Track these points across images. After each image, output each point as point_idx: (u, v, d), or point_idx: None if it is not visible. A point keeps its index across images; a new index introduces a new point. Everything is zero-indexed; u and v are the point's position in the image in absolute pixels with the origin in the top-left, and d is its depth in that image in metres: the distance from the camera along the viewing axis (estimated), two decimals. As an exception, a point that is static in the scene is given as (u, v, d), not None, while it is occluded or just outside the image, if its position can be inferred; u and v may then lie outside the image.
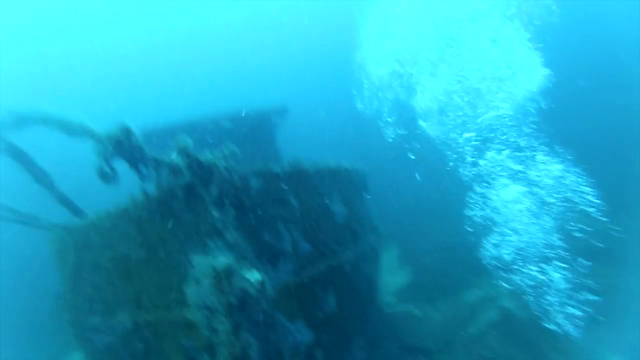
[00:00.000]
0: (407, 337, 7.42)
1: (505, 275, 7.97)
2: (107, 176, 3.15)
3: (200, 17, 24.37)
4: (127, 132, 3.35)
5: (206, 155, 3.61)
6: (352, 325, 5.39)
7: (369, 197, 6.94)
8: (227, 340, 2.87)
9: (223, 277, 2.81)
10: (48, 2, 20.59)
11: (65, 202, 4.65)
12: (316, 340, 4.36)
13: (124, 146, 3.31)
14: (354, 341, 5.42)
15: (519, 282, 7.58)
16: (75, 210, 4.72)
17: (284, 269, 4.12)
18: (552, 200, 7.78)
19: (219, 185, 3.56)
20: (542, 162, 8.13)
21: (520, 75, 9.17)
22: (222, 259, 2.92)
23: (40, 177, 4.33)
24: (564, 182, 7.87)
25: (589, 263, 7.20)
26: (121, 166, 3.50)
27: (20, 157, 4.13)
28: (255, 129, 8.51)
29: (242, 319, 2.88)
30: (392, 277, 9.83)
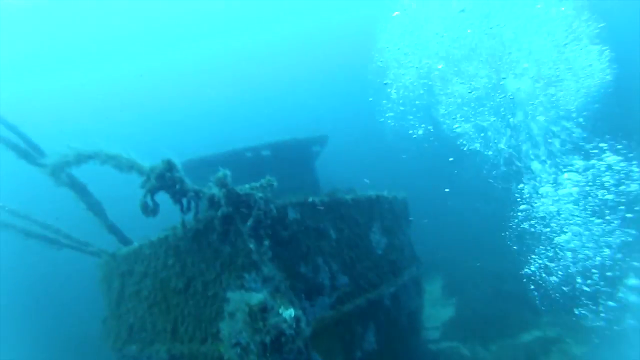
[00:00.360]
0: (452, 378, 6.88)
1: (569, 311, 7.20)
2: (148, 209, 3.26)
3: (233, 44, 25.47)
4: (169, 165, 3.48)
5: (243, 187, 3.65)
6: (393, 364, 5.08)
7: (410, 225, 6.68)
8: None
9: (257, 315, 2.75)
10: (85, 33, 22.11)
11: (115, 231, 4.91)
12: (355, 380, 4.15)
13: (166, 179, 3.44)
14: None
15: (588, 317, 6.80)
16: (124, 239, 4.96)
17: (321, 304, 3.99)
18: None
19: (255, 217, 3.58)
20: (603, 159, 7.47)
21: (579, 69, 8.61)
22: (257, 296, 2.87)
23: (94, 206, 4.62)
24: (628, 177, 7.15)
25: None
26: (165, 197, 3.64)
27: (78, 189, 4.45)
28: (295, 158, 8.60)
29: (275, 358, 2.79)
30: (436, 310, 9.28)
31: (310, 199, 4.33)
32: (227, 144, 8.68)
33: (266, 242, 3.61)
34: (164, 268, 4.02)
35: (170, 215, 3.81)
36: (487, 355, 7.20)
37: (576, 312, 7.04)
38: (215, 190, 3.58)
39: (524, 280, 8.43)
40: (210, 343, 3.51)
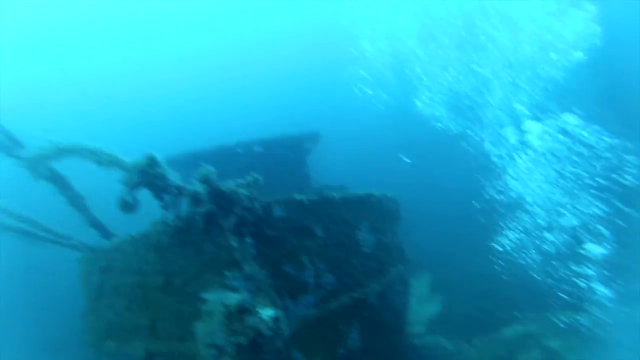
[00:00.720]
0: (436, 374, 6.97)
1: (548, 309, 7.39)
2: (127, 205, 3.19)
3: (227, 35, 24.89)
4: (152, 161, 3.41)
5: (228, 184, 3.60)
6: (377, 362, 5.10)
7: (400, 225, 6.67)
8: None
9: (234, 316, 2.71)
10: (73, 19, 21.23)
11: (97, 225, 4.82)
12: (336, 379, 4.15)
13: (148, 175, 3.37)
14: None
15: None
16: (107, 234, 4.88)
17: (305, 303, 3.97)
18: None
19: (238, 215, 3.52)
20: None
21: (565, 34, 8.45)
22: (235, 296, 2.83)
23: (75, 200, 4.53)
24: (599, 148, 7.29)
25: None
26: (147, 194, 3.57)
27: (59, 182, 4.36)
28: (287, 154, 8.52)
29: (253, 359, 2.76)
30: (422, 306, 9.34)
31: (297, 197, 4.28)
32: (216, 138, 8.57)
33: (249, 240, 3.56)
34: (144, 264, 3.97)
35: (155, 211, 3.75)
36: (470, 349, 7.32)
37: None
38: (198, 187, 3.52)
39: (510, 278, 8.57)
40: (189, 341, 3.47)
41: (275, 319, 2.88)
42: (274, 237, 3.90)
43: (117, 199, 3.20)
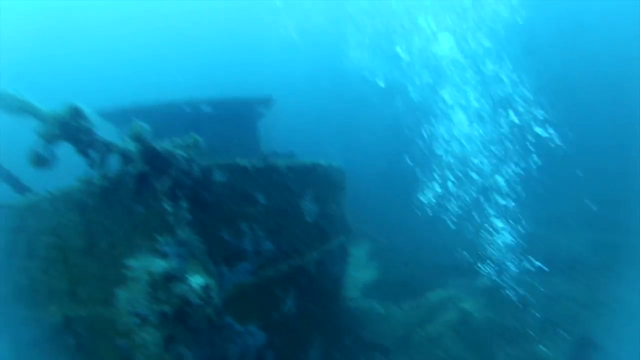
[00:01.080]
0: (366, 333, 7.43)
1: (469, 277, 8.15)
2: (42, 160, 2.85)
3: None
4: (75, 112, 3.04)
5: (164, 144, 3.35)
6: (311, 326, 5.29)
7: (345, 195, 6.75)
8: (155, 354, 2.67)
9: (159, 284, 2.59)
10: None
11: (10, 179, 4.31)
12: (268, 342, 4.24)
13: (70, 128, 3.01)
14: (311, 341, 5.32)
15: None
16: (21, 188, 4.38)
17: (242, 270, 3.93)
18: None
19: (173, 177, 3.32)
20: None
21: None
22: (161, 263, 2.69)
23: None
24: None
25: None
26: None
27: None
28: (237, 117, 8.13)
29: (177, 330, 2.68)
30: (359, 272, 9.81)
31: (240, 162, 4.12)
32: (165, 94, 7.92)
33: (184, 204, 3.39)
34: (64, 225, 3.64)
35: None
36: (398, 312, 7.95)
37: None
38: (130, 145, 3.23)
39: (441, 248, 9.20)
40: (113, 305, 3.31)
41: (206, 287, 2.81)
42: (212, 202, 3.75)
43: (30, 152, 2.83)
